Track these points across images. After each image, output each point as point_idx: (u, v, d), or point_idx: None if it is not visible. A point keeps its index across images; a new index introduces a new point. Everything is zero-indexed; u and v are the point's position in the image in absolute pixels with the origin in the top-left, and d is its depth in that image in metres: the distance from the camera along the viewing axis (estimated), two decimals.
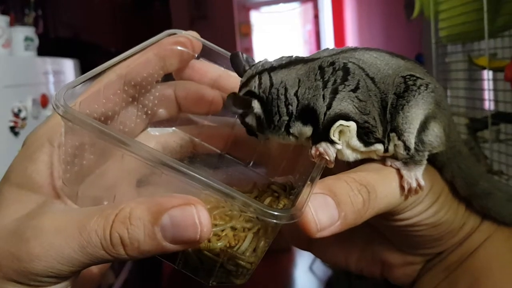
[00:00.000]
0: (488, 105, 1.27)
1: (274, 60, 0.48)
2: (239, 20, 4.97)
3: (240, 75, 0.49)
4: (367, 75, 0.45)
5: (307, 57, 0.48)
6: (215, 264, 0.42)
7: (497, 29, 1.23)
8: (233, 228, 0.43)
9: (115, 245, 0.37)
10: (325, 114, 0.44)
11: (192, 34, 0.53)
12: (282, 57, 0.48)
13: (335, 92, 0.44)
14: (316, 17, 5.46)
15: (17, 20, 2.36)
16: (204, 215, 0.37)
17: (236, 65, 0.49)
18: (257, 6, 5.51)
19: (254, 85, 0.46)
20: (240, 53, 0.50)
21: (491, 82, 1.29)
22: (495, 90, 1.31)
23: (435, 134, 0.46)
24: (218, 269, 0.42)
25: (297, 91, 0.45)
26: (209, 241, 0.41)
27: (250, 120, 0.47)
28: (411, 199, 0.46)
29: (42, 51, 2.48)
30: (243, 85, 0.47)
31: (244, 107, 0.46)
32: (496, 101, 1.31)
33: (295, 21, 5.68)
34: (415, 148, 0.46)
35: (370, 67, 0.46)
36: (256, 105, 0.46)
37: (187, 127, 0.58)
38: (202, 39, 0.53)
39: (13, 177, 0.43)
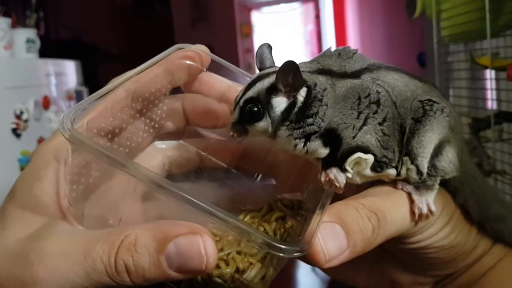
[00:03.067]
0: (491, 104, 1.27)
1: (330, 60, 0.47)
2: (240, 21, 4.97)
3: (261, 67, 0.48)
4: (392, 101, 0.45)
5: (348, 68, 0.46)
6: None
7: (499, 28, 1.23)
8: (240, 253, 0.42)
9: (120, 272, 0.37)
10: (347, 143, 0.44)
11: (201, 48, 0.52)
12: (331, 55, 0.48)
13: (364, 124, 0.44)
14: (317, 17, 5.45)
15: (18, 22, 2.36)
16: (210, 245, 0.37)
17: (263, 56, 0.48)
18: (258, 6, 5.51)
19: (314, 80, 0.44)
20: (271, 47, 0.49)
21: (493, 82, 1.28)
22: (498, 89, 1.31)
23: (448, 160, 0.46)
24: None
25: (333, 113, 0.44)
26: (217, 266, 0.41)
27: (278, 102, 0.44)
28: (421, 224, 0.46)
29: (44, 53, 2.48)
30: (287, 72, 0.43)
31: (295, 83, 0.43)
32: (498, 100, 1.31)
33: (296, 21, 5.68)
34: (427, 173, 0.45)
35: (394, 91, 0.45)
36: (304, 92, 0.44)
37: (194, 140, 0.57)
38: (211, 53, 0.53)
39: (18, 196, 0.42)
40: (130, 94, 0.47)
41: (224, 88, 0.55)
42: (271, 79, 0.44)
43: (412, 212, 0.45)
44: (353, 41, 4.76)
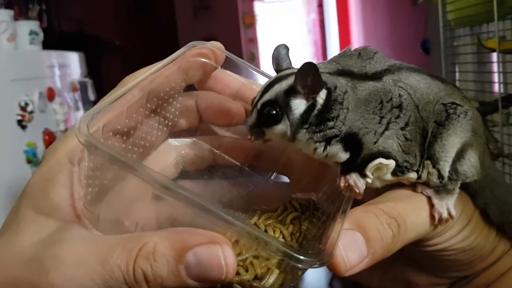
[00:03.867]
0: (498, 88, 1.26)
1: (350, 60, 0.46)
2: (242, 11, 4.95)
3: (278, 69, 0.47)
4: (415, 104, 0.44)
5: (369, 69, 0.46)
6: None
7: (506, 11, 1.22)
8: (257, 257, 0.42)
9: (138, 281, 0.36)
10: (368, 148, 0.43)
11: (216, 46, 0.52)
12: (351, 55, 0.47)
13: (386, 128, 0.43)
14: (320, 5, 5.42)
15: (21, 14, 2.36)
16: (230, 255, 0.36)
17: (280, 57, 0.48)
18: None
19: (334, 82, 0.44)
20: (288, 48, 0.48)
21: (500, 65, 1.27)
22: (505, 72, 1.29)
23: (470, 164, 0.45)
24: None
25: (354, 117, 0.43)
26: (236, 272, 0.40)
27: (297, 104, 0.43)
28: (440, 227, 0.45)
29: (47, 46, 2.48)
30: (306, 75, 0.42)
31: (314, 85, 0.42)
32: (505, 83, 1.30)
33: (299, 11, 5.65)
34: (448, 177, 0.45)
35: (416, 93, 0.45)
36: (324, 94, 0.43)
37: (208, 138, 0.56)
38: (226, 50, 0.52)
39: (32, 199, 0.42)
40: (145, 94, 0.47)
41: (238, 85, 0.54)
42: (290, 81, 0.43)
43: (432, 216, 0.44)
44: (356, 30, 4.73)
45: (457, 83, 1.48)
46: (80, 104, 2.60)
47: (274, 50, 0.48)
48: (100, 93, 2.92)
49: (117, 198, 0.45)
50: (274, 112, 0.43)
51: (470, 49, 1.50)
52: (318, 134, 0.44)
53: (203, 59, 0.50)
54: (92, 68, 3.00)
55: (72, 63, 2.65)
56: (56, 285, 0.36)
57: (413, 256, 0.53)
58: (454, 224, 0.46)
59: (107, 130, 0.42)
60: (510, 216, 0.50)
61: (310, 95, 0.43)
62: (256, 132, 0.45)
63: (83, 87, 2.66)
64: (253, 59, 5.03)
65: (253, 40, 5.16)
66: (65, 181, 0.42)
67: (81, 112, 2.55)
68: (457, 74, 1.55)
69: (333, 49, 5.06)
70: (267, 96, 0.44)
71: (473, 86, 1.50)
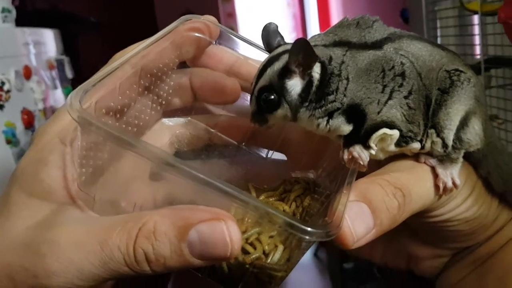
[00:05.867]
0: (481, 50, 1.26)
1: (348, 30, 0.45)
2: None
3: (270, 49, 0.46)
4: (417, 72, 0.43)
5: (369, 38, 0.44)
6: (244, 273, 0.40)
7: None
8: (262, 233, 0.41)
9: (140, 262, 0.35)
10: (371, 119, 0.42)
11: (209, 19, 0.50)
12: (349, 25, 0.46)
13: (389, 98, 0.42)
14: None
15: None
16: (235, 231, 0.35)
17: (269, 36, 0.46)
18: None
19: (328, 55, 0.42)
20: (276, 25, 0.47)
21: (483, 27, 1.27)
22: (486, 34, 1.30)
23: (474, 132, 0.45)
24: (248, 277, 0.41)
25: (355, 87, 0.42)
26: (242, 249, 0.40)
27: (292, 85, 0.43)
28: (444, 197, 0.45)
29: (20, 23, 2.41)
30: (298, 51, 0.41)
31: (306, 61, 0.41)
32: (487, 45, 1.30)
33: None
34: (452, 146, 0.44)
35: (418, 61, 0.44)
36: (318, 69, 0.42)
37: (203, 117, 0.55)
38: (219, 24, 0.51)
39: (23, 182, 0.40)
40: (138, 70, 0.45)
41: (232, 60, 0.52)
42: (281, 62, 0.42)
43: (436, 186, 0.44)
44: (334, 2, 4.70)
45: None
46: (57, 83, 2.54)
47: (262, 30, 0.47)
48: (79, 71, 2.86)
49: (113, 178, 0.43)
50: (272, 97, 0.43)
51: (451, 13, 1.50)
52: (320, 110, 0.43)
53: (197, 34, 0.49)
54: (68, 45, 2.93)
55: (48, 41, 2.58)
56: (52, 271, 0.35)
57: (416, 228, 0.52)
58: (457, 194, 0.46)
59: (99, 108, 0.41)
60: (511, 183, 0.50)
61: (305, 72, 0.42)
62: (258, 119, 0.44)
63: (60, 65, 2.60)
64: None
65: (231, 15, 5.08)
66: (57, 162, 0.40)
67: (59, 91, 2.50)
68: (439, 39, 1.56)
69: (313, 21, 5.02)
70: (262, 82, 0.43)
71: (455, 50, 1.50)
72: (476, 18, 1.30)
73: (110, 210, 0.42)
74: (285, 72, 0.42)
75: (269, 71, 0.43)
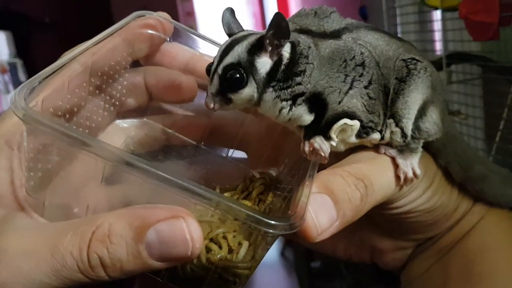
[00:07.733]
0: (443, 45, 1.27)
1: (306, 19, 0.45)
2: None
3: (230, 32, 0.45)
4: (376, 61, 0.44)
5: (327, 28, 0.45)
6: (207, 273, 0.39)
7: None
8: (225, 233, 0.40)
9: (94, 267, 0.33)
10: (333, 109, 0.42)
11: (163, 16, 0.48)
12: (307, 14, 0.46)
13: (350, 87, 0.42)
14: None
15: None
16: (195, 229, 0.34)
17: (230, 21, 0.45)
18: None
19: (296, 38, 0.42)
20: (233, 10, 0.46)
21: (442, 23, 1.29)
22: (447, 30, 1.31)
23: (432, 121, 0.45)
24: (211, 278, 0.39)
25: (319, 75, 0.42)
26: (206, 248, 0.39)
27: (262, 63, 0.41)
28: (405, 188, 0.45)
29: None
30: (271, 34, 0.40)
31: (282, 36, 0.40)
32: (447, 41, 1.32)
33: None
34: (411, 135, 0.45)
35: (376, 50, 0.44)
36: (288, 48, 0.42)
37: (159, 117, 0.53)
38: (173, 20, 0.49)
39: None
40: (88, 68, 0.42)
41: (188, 57, 0.51)
42: (251, 40, 0.41)
43: (397, 177, 0.44)
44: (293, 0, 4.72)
45: None
46: (10, 87, 2.47)
47: (222, 15, 0.46)
48: (33, 74, 2.76)
49: (64, 182, 0.41)
50: (239, 75, 0.41)
51: (411, 10, 1.51)
52: (286, 91, 0.42)
53: (150, 31, 0.47)
54: (21, 48, 2.84)
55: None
56: (1, 281, 0.33)
57: (378, 220, 0.53)
58: (418, 185, 0.46)
59: (47, 107, 0.38)
60: (470, 172, 0.50)
61: (275, 51, 0.41)
62: (220, 100, 0.42)
63: (12, 68, 2.53)
64: None
65: (190, 14, 5.04)
66: (4, 166, 0.38)
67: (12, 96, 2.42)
68: (399, 36, 1.57)
69: None
70: (229, 59, 0.41)
71: (416, 46, 1.52)
72: (436, 14, 1.31)
73: (61, 215, 0.40)
74: (255, 50, 0.41)
75: (238, 48, 0.42)
